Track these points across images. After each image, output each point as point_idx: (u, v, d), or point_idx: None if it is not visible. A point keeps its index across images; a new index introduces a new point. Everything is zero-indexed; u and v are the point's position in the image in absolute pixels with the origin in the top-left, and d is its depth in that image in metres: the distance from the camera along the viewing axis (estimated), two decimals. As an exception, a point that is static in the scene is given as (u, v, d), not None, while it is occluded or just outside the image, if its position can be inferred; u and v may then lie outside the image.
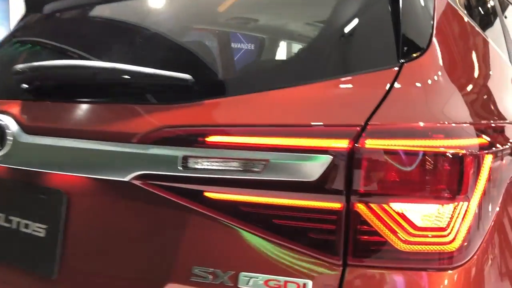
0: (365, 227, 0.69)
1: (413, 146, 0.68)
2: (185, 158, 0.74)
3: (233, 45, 1.07)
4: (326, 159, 0.69)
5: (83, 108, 0.92)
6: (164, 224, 0.80)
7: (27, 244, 0.98)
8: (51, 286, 0.94)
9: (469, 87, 0.86)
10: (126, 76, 0.84)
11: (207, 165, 0.74)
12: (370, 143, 0.68)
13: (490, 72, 1.04)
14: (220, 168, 0.73)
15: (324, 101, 0.76)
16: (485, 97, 0.94)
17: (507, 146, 0.85)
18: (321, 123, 0.72)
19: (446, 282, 0.69)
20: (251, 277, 0.72)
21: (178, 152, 0.75)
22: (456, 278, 0.70)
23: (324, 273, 0.70)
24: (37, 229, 0.97)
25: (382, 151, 0.68)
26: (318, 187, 0.69)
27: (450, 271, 0.70)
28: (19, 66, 0.97)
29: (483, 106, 0.89)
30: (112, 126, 0.84)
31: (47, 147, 0.91)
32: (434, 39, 0.79)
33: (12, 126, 0.95)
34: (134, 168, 0.79)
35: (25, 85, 0.97)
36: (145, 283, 0.82)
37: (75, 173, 0.89)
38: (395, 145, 0.68)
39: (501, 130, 0.90)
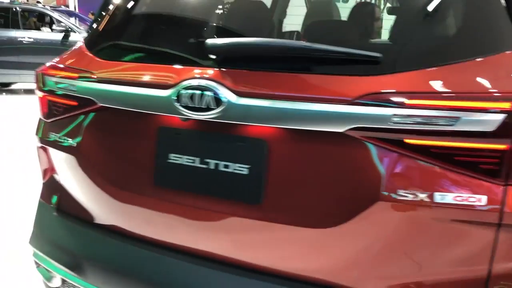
0: None
1: None
2: (396, 116, 1.04)
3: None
4: (500, 116, 1.00)
5: (291, 76, 1.17)
6: (370, 162, 1.11)
7: (229, 180, 1.26)
8: (258, 210, 1.22)
9: None
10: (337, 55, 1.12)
11: (410, 120, 1.04)
12: None
13: None
14: (420, 121, 1.03)
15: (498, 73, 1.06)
16: None
17: None
18: (496, 90, 1.02)
19: None
20: (443, 195, 1.05)
21: (387, 110, 1.05)
22: None
23: (493, 190, 1.04)
24: (239, 168, 1.25)
25: None
26: (494, 134, 1.01)
27: None
28: (220, 42, 1.21)
29: None
30: (325, 91, 1.12)
31: (256, 107, 1.17)
32: None
33: (223, 90, 1.19)
34: (349, 123, 1.08)
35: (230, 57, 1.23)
36: (350, 203, 1.13)
37: (279, 126, 1.17)
38: None
39: None
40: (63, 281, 1.64)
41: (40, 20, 10.65)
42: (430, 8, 1.19)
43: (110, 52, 1.57)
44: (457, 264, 1.08)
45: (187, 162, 1.31)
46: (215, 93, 1.19)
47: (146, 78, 1.35)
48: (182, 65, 1.30)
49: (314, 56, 1.17)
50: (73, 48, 1.73)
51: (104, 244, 1.50)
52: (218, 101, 1.19)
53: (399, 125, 1.04)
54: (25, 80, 9.92)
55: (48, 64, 1.68)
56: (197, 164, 1.30)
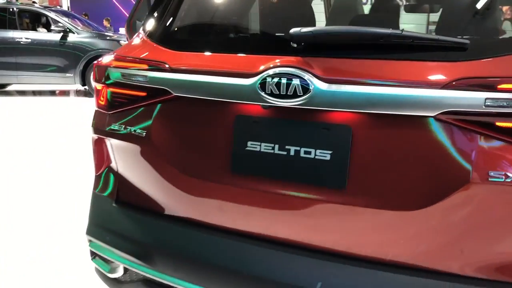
0: None
1: None
2: (488, 100, 1.08)
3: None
4: None
5: (380, 63, 1.21)
6: (461, 145, 1.14)
7: (311, 165, 1.30)
8: (343, 194, 1.26)
9: None
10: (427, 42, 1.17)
11: (501, 103, 1.08)
12: None
13: None
14: (509, 105, 1.08)
15: None
16: None
17: None
18: None
19: None
20: None
21: (479, 94, 1.09)
22: None
23: None
24: (321, 154, 1.29)
25: None
26: None
27: None
28: (304, 30, 1.24)
29: None
30: (417, 76, 1.16)
31: (344, 93, 1.21)
32: None
33: (310, 77, 1.23)
34: (441, 107, 1.12)
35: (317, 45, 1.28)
36: (438, 186, 1.17)
37: (367, 111, 1.21)
38: None
39: None
40: (125, 270, 1.66)
41: (35, 20, 10.57)
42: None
43: (183, 43, 1.60)
44: None
45: (266, 149, 1.34)
46: (302, 80, 1.22)
47: (226, 67, 1.37)
48: (264, 54, 1.33)
49: (405, 43, 1.21)
50: (132, 41, 1.75)
51: (174, 232, 1.53)
52: (305, 88, 1.22)
53: (490, 108, 1.08)
54: (22, 81, 9.85)
55: (106, 57, 1.70)
56: (277, 151, 1.33)
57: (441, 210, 1.16)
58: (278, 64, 1.27)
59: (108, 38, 9.81)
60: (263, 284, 1.35)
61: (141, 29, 1.78)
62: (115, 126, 1.62)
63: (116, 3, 21.54)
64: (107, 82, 1.63)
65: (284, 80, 1.24)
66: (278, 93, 1.25)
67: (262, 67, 1.28)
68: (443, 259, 1.19)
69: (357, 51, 1.26)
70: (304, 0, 1.97)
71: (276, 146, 1.33)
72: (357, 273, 1.26)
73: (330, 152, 1.27)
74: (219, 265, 1.42)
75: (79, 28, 9.92)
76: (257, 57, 1.33)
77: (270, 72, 1.26)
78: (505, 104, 1.07)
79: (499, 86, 1.08)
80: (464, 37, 1.24)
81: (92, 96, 9.08)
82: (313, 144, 1.29)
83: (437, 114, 1.13)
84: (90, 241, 1.76)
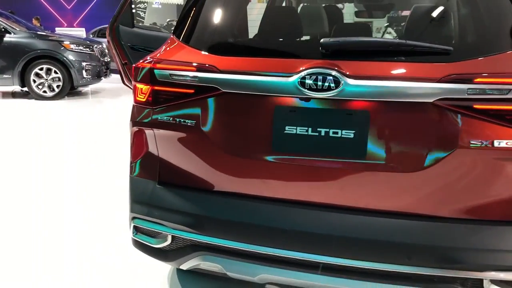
0: None
1: None
2: (469, 90, 1.55)
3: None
4: None
5: (392, 64, 1.65)
6: (450, 122, 1.58)
7: (338, 142, 1.70)
8: (363, 162, 1.67)
9: None
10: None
11: (478, 92, 1.55)
12: None
13: None
14: (484, 92, 1.55)
15: None
16: None
17: None
18: None
19: None
20: (500, 141, 1.51)
21: (463, 86, 1.56)
22: None
23: None
24: (345, 134, 1.70)
25: None
26: None
27: None
28: (332, 40, 1.66)
29: None
30: (419, 73, 1.60)
31: (366, 86, 1.63)
32: None
33: (340, 75, 1.64)
34: (437, 95, 1.57)
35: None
36: (434, 152, 1.62)
37: (383, 100, 1.64)
38: None
39: None
40: (173, 238, 1.98)
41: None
42: (483, 16, 1.74)
43: (226, 49, 1.96)
44: (507, 187, 1.62)
45: (301, 131, 1.74)
46: (335, 77, 1.63)
47: (268, 68, 1.75)
48: (299, 58, 1.73)
49: (408, 49, 1.66)
50: (168, 46, 2.06)
51: (222, 203, 1.87)
52: (337, 83, 1.63)
53: (471, 95, 1.55)
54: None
55: (148, 59, 2.00)
56: (310, 133, 1.73)
57: (438, 169, 1.62)
58: (315, 65, 1.67)
59: (49, 38, 9.59)
60: (298, 237, 1.74)
61: (172, 35, 2.10)
62: (162, 119, 1.93)
63: (44, 2, 20.72)
64: (152, 82, 1.94)
65: (320, 77, 1.64)
66: (315, 87, 1.65)
67: (301, 68, 1.68)
68: (440, 206, 1.65)
69: (373, 55, 1.69)
70: (338, 13, 2.41)
71: (309, 129, 1.73)
72: (374, 222, 1.69)
73: (353, 131, 1.69)
74: (262, 226, 1.79)
75: (16, 28, 9.63)
76: (296, 61, 1.72)
77: (310, 71, 1.66)
78: (480, 92, 1.55)
79: (475, 80, 1.56)
80: (450, 43, 1.73)
81: (32, 98, 8.86)
82: (339, 126, 1.70)
83: (434, 101, 1.58)
84: (134, 218, 2.05)
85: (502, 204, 1.63)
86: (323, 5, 3.20)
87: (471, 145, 1.58)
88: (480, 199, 1.64)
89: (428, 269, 1.63)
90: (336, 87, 1.63)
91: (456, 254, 1.61)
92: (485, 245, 1.60)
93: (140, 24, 18.51)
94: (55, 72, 9.37)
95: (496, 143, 1.57)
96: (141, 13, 22.40)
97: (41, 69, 9.35)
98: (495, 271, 1.58)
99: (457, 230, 1.62)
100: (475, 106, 1.57)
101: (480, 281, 1.62)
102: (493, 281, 1.61)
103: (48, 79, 9.39)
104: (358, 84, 1.63)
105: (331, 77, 1.64)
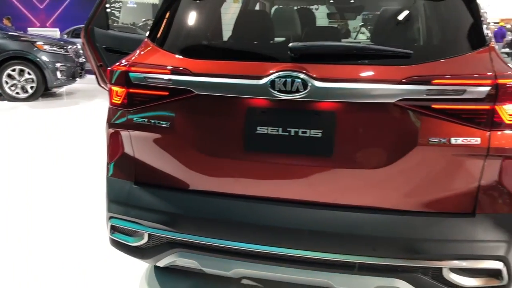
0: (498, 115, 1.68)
1: None
2: (427, 91, 1.66)
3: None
4: (486, 88, 1.66)
5: (356, 67, 1.74)
6: (410, 121, 1.69)
7: (307, 141, 1.78)
8: (330, 160, 1.76)
9: None
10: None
11: (435, 92, 1.66)
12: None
13: None
14: (441, 93, 1.66)
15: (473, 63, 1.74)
16: None
17: None
18: (477, 74, 1.67)
19: None
20: (456, 138, 1.63)
21: (422, 87, 1.66)
22: None
23: (484, 135, 1.62)
24: (313, 133, 1.79)
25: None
26: (483, 100, 1.64)
27: None
28: (300, 44, 1.75)
29: None
30: (381, 75, 1.70)
31: (332, 88, 1.72)
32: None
33: (308, 77, 1.72)
34: (398, 96, 1.67)
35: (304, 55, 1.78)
36: (396, 149, 1.72)
37: (347, 101, 1.73)
38: None
39: None
40: (150, 236, 2.04)
41: None
42: (442, 24, 1.86)
43: (199, 52, 2.02)
44: (462, 182, 1.73)
45: (272, 131, 1.82)
46: (303, 80, 1.72)
47: (240, 71, 1.82)
48: (269, 61, 1.81)
49: (371, 53, 1.76)
50: (142, 49, 2.12)
51: (196, 201, 1.94)
52: (305, 85, 1.72)
53: (429, 96, 1.66)
54: None
55: (123, 62, 2.05)
56: (280, 133, 1.81)
57: (400, 166, 1.72)
58: (284, 68, 1.75)
59: (21, 39, 9.44)
60: (270, 232, 1.83)
61: (147, 39, 2.15)
62: (137, 120, 1.99)
63: (15, 1, 20.33)
64: (128, 84, 1.99)
65: (289, 80, 1.73)
66: (284, 89, 1.73)
67: (271, 71, 1.76)
68: (403, 200, 1.76)
69: (339, 58, 1.79)
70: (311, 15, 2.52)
71: (280, 129, 1.82)
72: (342, 217, 1.79)
73: (321, 131, 1.78)
74: (235, 222, 1.87)
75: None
76: (266, 64, 1.80)
77: (279, 74, 1.74)
78: (437, 93, 1.66)
79: (433, 81, 1.67)
80: (413, 46, 1.84)
81: (4, 100, 8.70)
82: (308, 126, 1.79)
83: (396, 101, 1.69)
84: (111, 217, 2.10)
85: (459, 197, 1.74)
86: (296, 7, 3.30)
87: (430, 142, 1.69)
88: (439, 193, 1.75)
89: (392, 259, 1.73)
90: (304, 89, 1.72)
91: (417, 245, 1.72)
92: (443, 236, 1.71)
93: (115, 24, 18.35)
94: (28, 73, 9.23)
95: (453, 141, 1.68)
96: (116, 13, 22.21)
97: (14, 70, 9.20)
98: (453, 260, 1.70)
99: (418, 223, 1.73)
100: (433, 106, 1.68)
101: (440, 269, 1.73)
102: (452, 269, 1.72)
103: (21, 80, 9.24)
104: (325, 86, 1.72)
105: (299, 80, 1.72)
